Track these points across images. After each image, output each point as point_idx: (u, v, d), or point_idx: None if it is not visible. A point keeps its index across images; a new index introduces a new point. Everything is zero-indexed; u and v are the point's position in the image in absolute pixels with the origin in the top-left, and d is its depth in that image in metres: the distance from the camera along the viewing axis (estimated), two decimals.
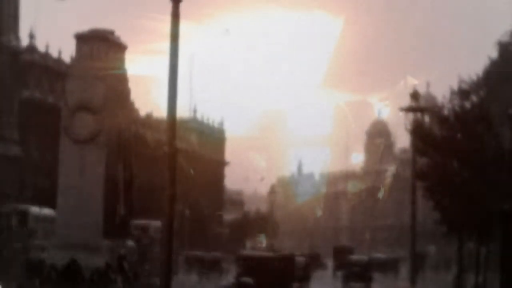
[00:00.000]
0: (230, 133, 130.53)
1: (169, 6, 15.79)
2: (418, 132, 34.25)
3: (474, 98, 41.14)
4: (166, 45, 16.64)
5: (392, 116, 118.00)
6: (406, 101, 34.67)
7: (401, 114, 31.56)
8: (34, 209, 49.73)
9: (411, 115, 32.61)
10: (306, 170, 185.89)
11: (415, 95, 32.41)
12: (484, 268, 42.27)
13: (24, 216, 48.84)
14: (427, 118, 39.19)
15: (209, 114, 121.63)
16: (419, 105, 32.64)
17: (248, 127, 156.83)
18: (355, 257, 69.16)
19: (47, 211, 46.78)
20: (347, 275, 62.18)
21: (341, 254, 76.90)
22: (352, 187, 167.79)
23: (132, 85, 39.97)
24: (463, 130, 39.57)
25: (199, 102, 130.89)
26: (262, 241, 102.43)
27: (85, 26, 36.32)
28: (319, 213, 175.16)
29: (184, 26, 16.26)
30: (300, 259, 58.33)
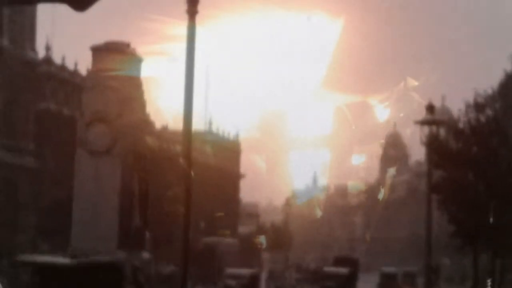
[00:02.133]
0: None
1: (170, 8, 15.85)
2: (433, 145, 34.16)
3: (489, 111, 41.16)
4: (167, 46, 16.69)
5: (392, 117, 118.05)
6: (406, 102, 34.63)
7: (402, 115, 31.56)
8: None
9: (426, 128, 32.53)
10: (309, 175, 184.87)
11: (430, 108, 32.32)
12: (499, 281, 42.16)
13: None
14: (442, 131, 39.16)
15: (210, 115, 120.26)
16: (434, 118, 32.54)
17: (247, 128, 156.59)
18: (330, 269, 60.16)
19: None
20: None
21: (342, 266, 66.23)
22: (367, 199, 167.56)
23: None
24: (479, 143, 39.55)
25: (198, 102, 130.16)
26: (263, 243, 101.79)
27: (91, 32, 36.52)
28: (334, 225, 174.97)
29: (184, 27, 16.27)
30: (243, 272, 50.05)
